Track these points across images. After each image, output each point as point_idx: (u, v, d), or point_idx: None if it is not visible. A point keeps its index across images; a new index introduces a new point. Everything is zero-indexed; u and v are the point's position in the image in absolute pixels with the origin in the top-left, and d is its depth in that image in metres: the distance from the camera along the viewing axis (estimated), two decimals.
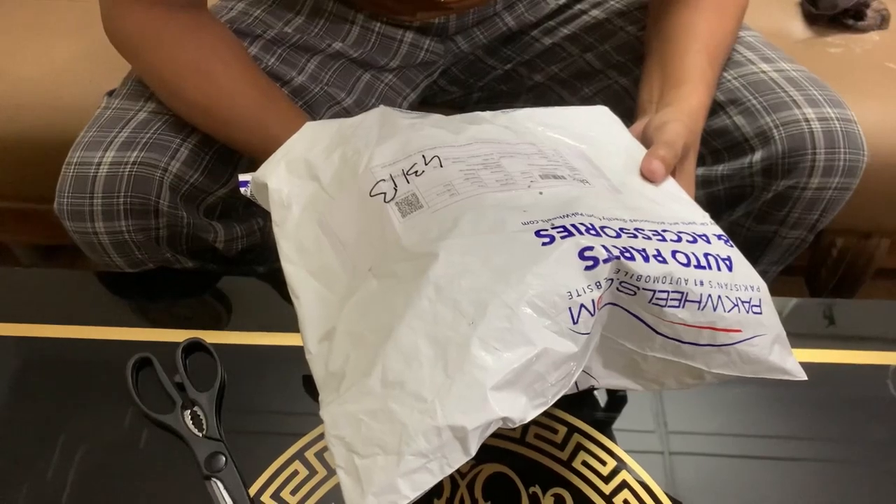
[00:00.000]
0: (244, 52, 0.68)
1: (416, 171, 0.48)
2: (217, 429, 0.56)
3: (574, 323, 0.41)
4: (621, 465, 0.55)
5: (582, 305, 0.41)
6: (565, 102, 0.83)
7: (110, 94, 0.71)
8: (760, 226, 0.73)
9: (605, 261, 0.41)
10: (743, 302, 0.44)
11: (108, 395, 0.59)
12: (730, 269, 0.44)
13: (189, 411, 0.57)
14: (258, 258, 0.79)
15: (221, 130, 0.65)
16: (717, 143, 0.72)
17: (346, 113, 0.79)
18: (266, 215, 0.77)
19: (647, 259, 0.42)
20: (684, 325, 0.43)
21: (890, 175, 0.96)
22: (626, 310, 0.44)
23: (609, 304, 0.44)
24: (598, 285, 0.41)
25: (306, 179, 0.53)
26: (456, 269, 0.42)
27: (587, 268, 0.41)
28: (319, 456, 0.56)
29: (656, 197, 0.51)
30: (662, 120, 0.58)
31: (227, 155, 0.69)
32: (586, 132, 0.56)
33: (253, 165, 0.69)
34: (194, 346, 0.61)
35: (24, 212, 1.11)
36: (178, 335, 0.61)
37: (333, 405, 0.42)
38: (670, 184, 0.53)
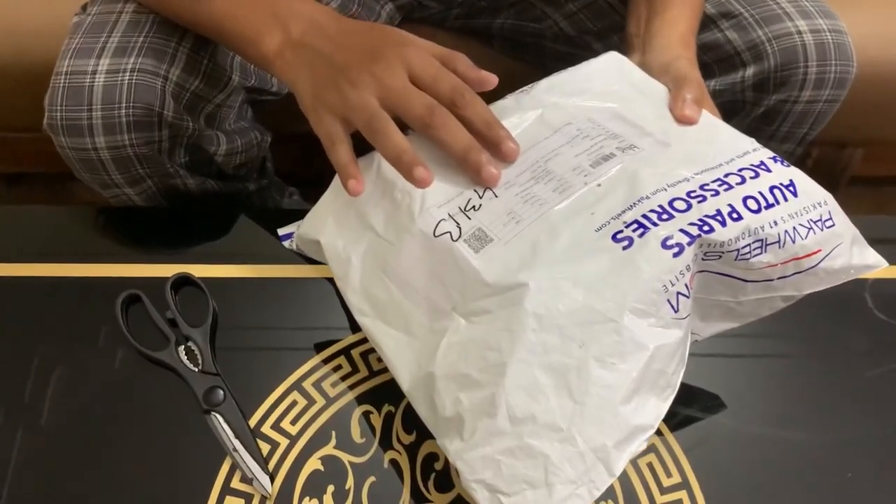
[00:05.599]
0: None
1: (473, 207, 0.48)
2: (213, 363, 0.56)
3: (675, 312, 0.42)
4: None
5: (678, 293, 0.42)
6: (548, 18, 0.80)
7: (83, 8, 0.67)
8: None
9: (689, 244, 0.42)
10: (815, 222, 0.46)
11: (98, 334, 0.58)
12: (795, 194, 0.46)
13: (183, 347, 0.57)
14: (249, 174, 0.78)
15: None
16: (707, 58, 0.71)
17: None
18: (264, 130, 0.77)
19: (724, 223, 0.43)
20: (770, 265, 0.45)
21: (868, 86, 0.95)
22: (715, 272, 0.46)
23: (698, 272, 0.45)
24: (688, 268, 0.43)
25: (360, 230, 0.52)
26: (549, 294, 0.43)
27: (675, 255, 0.42)
28: (317, 385, 0.56)
29: (701, 135, 0.52)
30: (662, 61, 0.58)
31: (222, 57, 0.66)
32: (609, 89, 0.55)
33: (245, 62, 0.68)
34: (183, 281, 0.60)
35: None
36: (165, 270, 0.60)
37: (466, 452, 0.43)
38: (705, 115, 0.53)
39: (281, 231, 0.60)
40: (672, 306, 0.42)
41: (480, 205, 0.48)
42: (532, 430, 0.41)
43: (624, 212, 0.45)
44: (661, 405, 0.43)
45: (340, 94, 0.49)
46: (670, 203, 0.44)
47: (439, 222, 0.48)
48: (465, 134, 0.48)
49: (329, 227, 0.54)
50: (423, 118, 0.48)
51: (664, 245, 0.42)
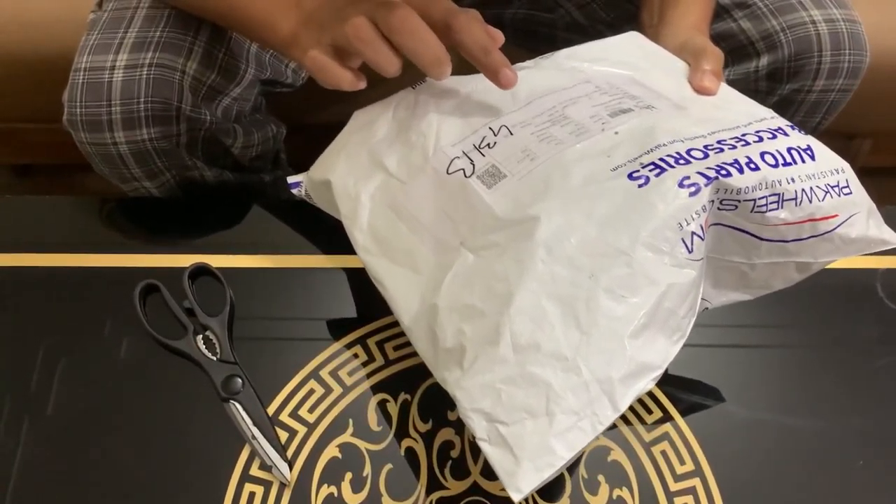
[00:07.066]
0: None
1: (488, 144, 0.48)
2: (231, 352, 0.56)
3: (689, 252, 0.41)
4: None
5: (693, 233, 0.41)
6: (560, 7, 0.80)
7: (98, 4, 0.67)
8: None
9: (706, 185, 0.42)
10: (832, 187, 0.45)
11: (116, 323, 0.58)
12: (812, 158, 0.45)
13: (201, 336, 0.57)
14: (265, 165, 0.78)
15: None
16: (721, 47, 0.70)
17: None
18: (279, 122, 0.77)
19: (741, 171, 0.42)
20: (786, 224, 0.44)
21: (877, 77, 0.95)
22: (729, 226, 0.45)
23: (712, 224, 0.44)
24: (704, 209, 0.42)
25: (371, 169, 0.51)
26: (561, 227, 0.42)
27: (691, 194, 0.41)
28: (334, 374, 0.56)
29: (718, 103, 0.51)
30: (677, 42, 0.57)
31: (238, 50, 0.66)
32: (628, 59, 0.55)
33: (260, 54, 0.68)
34: (200, 271, 0.60)
35: None
36: (182, 260, 0.61)
37: (464, 379, 0.42)
38: (723, 88, 0.53)
39: (290, 179, 0.59)
40: (686, 246, 0.41)
41: (495, 142, 0.48)
42: (535, 358, 0.40)
43: (641, 155, 0.44)
44: (670, 347, 0.41)
45: (333, 23, 0.48)
46: (687, 151, 0.44)
47: (453, 160, 0.47)
48: (434, 44, 0.45)
49: (340, 166, 0.53)
50: (390, 21, 0.45)
51: (681, 185, 0.41)
